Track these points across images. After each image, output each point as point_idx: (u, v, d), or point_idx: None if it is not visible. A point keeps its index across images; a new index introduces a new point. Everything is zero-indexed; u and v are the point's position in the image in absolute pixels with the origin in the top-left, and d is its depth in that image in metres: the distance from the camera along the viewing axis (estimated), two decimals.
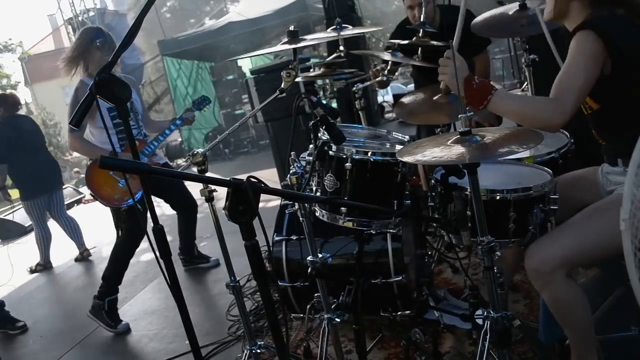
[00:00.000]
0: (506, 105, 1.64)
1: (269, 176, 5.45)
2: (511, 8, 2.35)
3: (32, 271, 5.24)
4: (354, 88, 2.77)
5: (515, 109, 1.64)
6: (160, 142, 3.47)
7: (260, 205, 1.11)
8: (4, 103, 4.77)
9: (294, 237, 2.39)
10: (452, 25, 2.45)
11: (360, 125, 2.69)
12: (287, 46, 1.99)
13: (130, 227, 3.40)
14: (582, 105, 1.68)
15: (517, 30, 2.39)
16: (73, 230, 5.16)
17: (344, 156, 1.79)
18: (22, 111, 4.81)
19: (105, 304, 3.22)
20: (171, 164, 10.05)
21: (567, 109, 1.53)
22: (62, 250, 5.49)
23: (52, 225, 5.20)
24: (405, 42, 2.48)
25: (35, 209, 4.91)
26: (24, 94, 28.53)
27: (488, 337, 1.65)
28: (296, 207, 1.95)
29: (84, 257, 5.25)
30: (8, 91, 5.14)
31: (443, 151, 1.50)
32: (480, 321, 1.87)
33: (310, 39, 2.11)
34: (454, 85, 1.65)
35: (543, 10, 1.86)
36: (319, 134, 1.82)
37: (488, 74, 3.22)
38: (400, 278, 2.19)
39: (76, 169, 18.84)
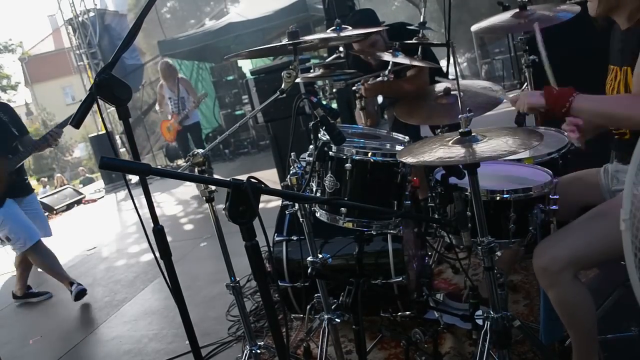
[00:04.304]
0: (590, 107, 1.57)
1: (269, 177, 5.45)
2: (511, 11, 2.36)
3: None
4: (354, 87, 2.77)
5: (601, 110, 1.58)
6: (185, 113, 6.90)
7: (261, 205, 1.12)
8: None
9: (294, 238, 2.39)
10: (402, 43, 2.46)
11: (360, 126, 2.69)
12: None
13: None
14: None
15: (517, 28, 2.40)
16: None
17: (344, 157, 1.80)
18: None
19: None
20: (171, 164, 10.07)
21: None
22: (62, 251, 5.48)
23: (54, 223, 5.20)
24: (407, 42, 2.48)
25: None
26: (24, 95, 28.54)
27: (488, 337, 1.65)
28: (296, 207, 1.95)
29: None
30: None
31: (443, 152, 1.51)
32: (480, 322, 1.87)
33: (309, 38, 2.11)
34: (535, 100, 1.63)
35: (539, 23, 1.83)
36: (319, 135, 1.82)
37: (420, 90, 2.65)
38: (401, 279, 2.19)
39: (81, 168, 18.99)
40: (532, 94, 1.67)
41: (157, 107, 7.56)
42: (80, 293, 3.84)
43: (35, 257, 3.82)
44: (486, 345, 1.65)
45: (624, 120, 1.57)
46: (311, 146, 1.92)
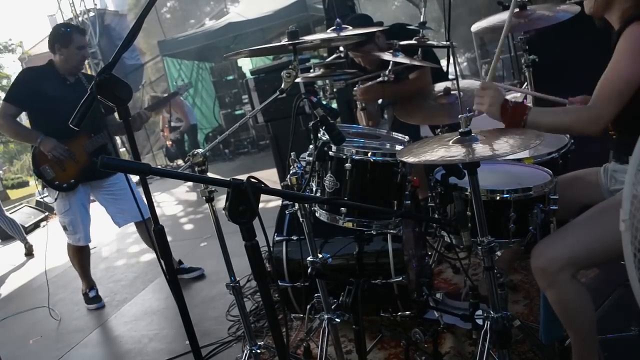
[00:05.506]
0: (542, 121, 1.64)
1: (269, 176, 5.45)
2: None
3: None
4: (355, 87, 2.77)
5: (551, 124, 1.65)
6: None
7: (261, 205, 1.12)
8: None
9: (294, 238, 2.39)
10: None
11: (360, 126, 2.68)
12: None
13: None
14: None
15: (516, 28, 2.40)
16: (14, 229, 5.89)
17: (344, 156, 1.80)
18: None
19: None
20: (171, 164, 10.07)
21: (602, 117, 1.54)
22: (62, 251, 5.48)
23: (54, 224, 5.22)
24: (406, 42, 2.48)
25: None
26: None
27: (488, 337, 1.65)
28: (296, 207, 1.95)
29: (30, 251, 5.95)
30: None
31: (444, 151, 1.50)
32: (480, 321, 1.87)
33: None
34: (493, 113, 1.67)
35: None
36: (319, 135, 1.82)
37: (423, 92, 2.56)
38: (401, 279, 2.19)
39: None
40: (491, 109, 1.67)
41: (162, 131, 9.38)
42: (95, 299, 3.82)
43: (75, 253, 3.81)
44: (486, 345, 1.65)
45: (571, 132, 1.60)
46: (311, 146, 1.92)
